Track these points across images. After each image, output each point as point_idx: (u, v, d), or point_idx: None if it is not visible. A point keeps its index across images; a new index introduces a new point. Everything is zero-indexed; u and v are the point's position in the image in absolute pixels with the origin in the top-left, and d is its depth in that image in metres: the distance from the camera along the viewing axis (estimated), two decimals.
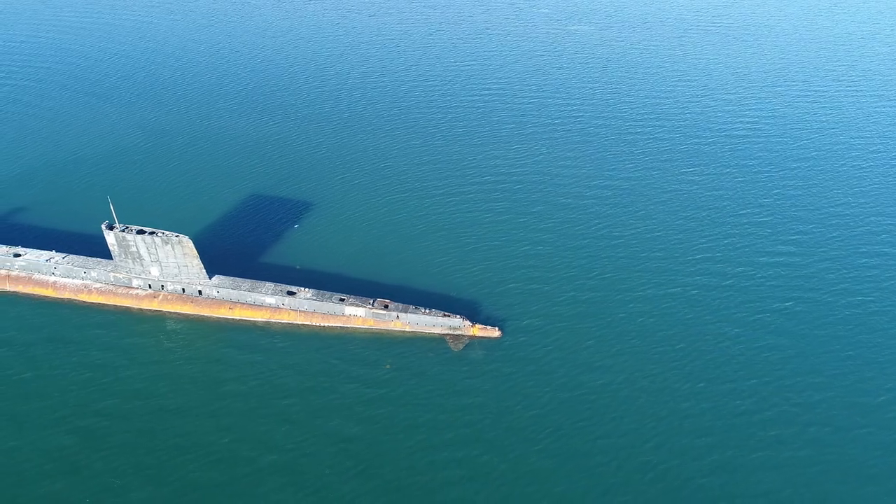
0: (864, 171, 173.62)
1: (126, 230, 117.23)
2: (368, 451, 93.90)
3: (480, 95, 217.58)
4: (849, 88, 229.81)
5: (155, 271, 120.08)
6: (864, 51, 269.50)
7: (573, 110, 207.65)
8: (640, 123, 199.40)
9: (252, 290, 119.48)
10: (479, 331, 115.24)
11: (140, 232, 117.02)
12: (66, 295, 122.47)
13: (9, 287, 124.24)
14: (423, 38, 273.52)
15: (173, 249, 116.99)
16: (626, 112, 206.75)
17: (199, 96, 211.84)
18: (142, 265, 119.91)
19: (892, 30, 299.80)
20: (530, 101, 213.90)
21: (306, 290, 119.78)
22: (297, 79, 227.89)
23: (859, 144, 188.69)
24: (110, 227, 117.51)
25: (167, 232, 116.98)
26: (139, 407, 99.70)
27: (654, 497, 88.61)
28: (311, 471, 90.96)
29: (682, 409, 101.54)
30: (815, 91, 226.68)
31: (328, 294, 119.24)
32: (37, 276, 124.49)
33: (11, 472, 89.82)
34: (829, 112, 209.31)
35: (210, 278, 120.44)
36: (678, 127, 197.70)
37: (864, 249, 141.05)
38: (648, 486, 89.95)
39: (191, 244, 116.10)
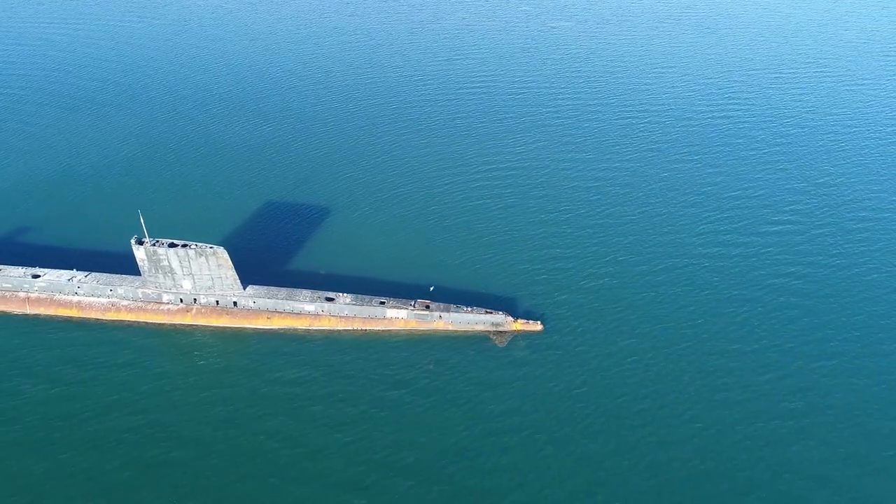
0: (848, 147, 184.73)
1: (157, 244, 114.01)
2: (429, 451, 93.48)
3: (497, 92, 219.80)
4: (817, 73, 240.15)
5: (187, 285, 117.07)
6: (843, 34, 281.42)
7: (573, 102, 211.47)
8: (635, 110, 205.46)
9: (289, 298, 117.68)
10: (521, 325, 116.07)
11: (172, 245, 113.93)
12: (92, 314, 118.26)
13: (29, 310, 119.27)
14: (430, 38, 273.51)
15: (207, 261, 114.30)
16: (620, 100, 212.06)
17: (211, 104, 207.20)
18: (173, 279, 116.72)
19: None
20: (542, 95, 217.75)
21: (345, 295, 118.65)
22: (308, 82, 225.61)
23: (843, 121, 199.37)
24: (140, 242, 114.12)
25: (200, 244, 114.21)
26: (190, 424, 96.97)
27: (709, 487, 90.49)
28: (372, 477, 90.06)
29: (733, 399, 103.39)
30: (789, 77, 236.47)
31: (367, 298, 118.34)
32: (59, 296, 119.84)
33: (56, 495, 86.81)
34: (810, 94, 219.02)
35: (244, 289, 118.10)
36: (669, 111, 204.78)
37: (856, 215, 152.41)
38: (704, 478, 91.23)
39: (226, 255, 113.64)
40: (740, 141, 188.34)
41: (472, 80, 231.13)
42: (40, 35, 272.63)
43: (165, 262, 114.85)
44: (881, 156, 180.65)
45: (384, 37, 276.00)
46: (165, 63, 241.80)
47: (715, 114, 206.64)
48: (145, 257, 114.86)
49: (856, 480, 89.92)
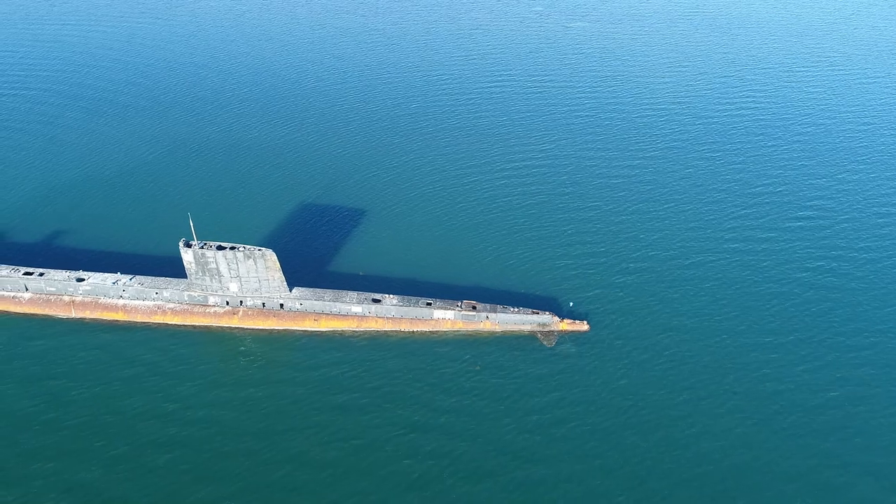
0: (866, 143, 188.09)
1: (205, 246, 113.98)
2: (484, 452, 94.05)
3: (518, 91, 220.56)
4: (833, 71, 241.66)
5: (234, 287, 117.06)
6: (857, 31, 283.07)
7: (592, 100, 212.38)
8: (654, 108, 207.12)
9: (336, 299, 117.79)
10: (567, 325, 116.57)
11: (220, 247, 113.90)
12: (138, 318, 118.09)
13: (74, 313, 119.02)
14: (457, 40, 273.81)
15: (255, 264, 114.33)
16: (639, 98, 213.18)
17: (239, 107, 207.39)
18: (220, 281, 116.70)
19: None
20: (561, 94, 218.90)
21: (391, 296, 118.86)
22: (330, 83, 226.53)
23: (860, 117, 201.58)
24: (188, 245, 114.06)
25: (248, 246, 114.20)
26: (249, 426, 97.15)
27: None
28: (430, 475, 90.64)
29: (770, 390, 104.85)
30: (805, 74, 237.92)
31: (413, 299, 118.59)
32: (104, 299, 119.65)
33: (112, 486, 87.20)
34: (826, 91, 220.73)
35: (290, 290, 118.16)
36: (688, 109, 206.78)
37: (878, 209, 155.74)
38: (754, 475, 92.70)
39: (274, 257, 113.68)
40: (759, 137, 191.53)
41: (493, 78, 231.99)
42: (57, 36, 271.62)
43: (213, 265, 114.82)
44: None
45: (400, 37, 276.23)
46: (191, 65, 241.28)
47: (732, 111, 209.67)
48: (193, 260, 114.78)
49: None
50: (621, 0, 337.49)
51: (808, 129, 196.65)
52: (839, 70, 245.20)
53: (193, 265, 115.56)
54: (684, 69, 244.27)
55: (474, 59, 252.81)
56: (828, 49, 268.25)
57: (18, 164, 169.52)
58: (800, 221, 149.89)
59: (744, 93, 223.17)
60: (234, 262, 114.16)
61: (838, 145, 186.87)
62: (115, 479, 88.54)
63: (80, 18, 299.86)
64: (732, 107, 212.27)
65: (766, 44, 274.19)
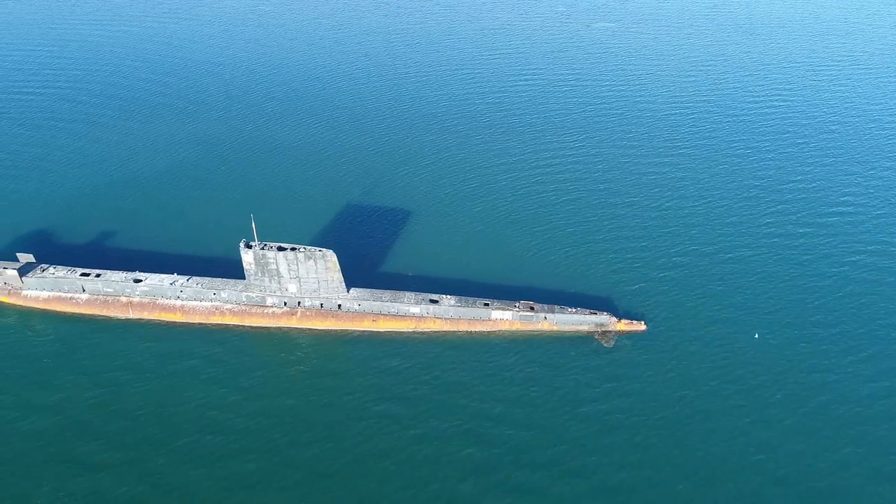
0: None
1: (265, 247, 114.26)
2: (543, 444, 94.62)
3: (548, 91, 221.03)
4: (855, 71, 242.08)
5: (293, 288, 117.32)
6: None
7: (620, 98, 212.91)
8: (682, 106, 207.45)
9: (394, 300, 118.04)
10: (625, 325, 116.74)
11: (280, 248, 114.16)
12: (196, 318, 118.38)
13: (132, 314, 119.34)
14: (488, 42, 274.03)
15: (315, 264, 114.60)
16: (667, 97, 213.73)
17: (276, 106, 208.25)
18: (279, 282, 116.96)
19: None
20: (589, 93, 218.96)
21: (448, 296, 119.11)
22: (372, 84, 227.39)
23: (886, 113, 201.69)
24: (248, 246, 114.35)
25: (309, 247, 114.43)
26: (314, 418, 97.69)
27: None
28: (489, 464, 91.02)
29: (820, 382, 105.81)
30: (829, 72, 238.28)
31: (471, 300, 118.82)
32: (161, 300, 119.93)
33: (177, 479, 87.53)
34: (850, 88, 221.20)
35: (348, 291, 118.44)
36: (715, 107, 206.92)
37: None
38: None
39: (334, 258, 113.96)
40: (787, 135, 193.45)
41: (522, 76, 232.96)
42: (84, 36, 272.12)
43: (273, 266, 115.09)
44: None
45: (425, 36, 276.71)
46: (225, 65, 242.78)
47: (760, 109, 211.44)
48: (253, 260, 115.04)
49: None
50: (642, 0, 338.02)
51: (836, 127, 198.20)
52: (862, 68, 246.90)
53: (253, 266, 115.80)
54: (709, 67, 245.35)
55: (502, 57, 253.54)
56: (850, 48, 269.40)
57: (67, 163, 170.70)
58: (834, 216, 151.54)
59: (770, 91, 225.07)
60: (295, 262, 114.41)
61: (866, 142, 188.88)
62: (178, 462, 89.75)
63: (101, 18, 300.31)
64: (760, 105, 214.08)
65: (788, 42, 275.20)
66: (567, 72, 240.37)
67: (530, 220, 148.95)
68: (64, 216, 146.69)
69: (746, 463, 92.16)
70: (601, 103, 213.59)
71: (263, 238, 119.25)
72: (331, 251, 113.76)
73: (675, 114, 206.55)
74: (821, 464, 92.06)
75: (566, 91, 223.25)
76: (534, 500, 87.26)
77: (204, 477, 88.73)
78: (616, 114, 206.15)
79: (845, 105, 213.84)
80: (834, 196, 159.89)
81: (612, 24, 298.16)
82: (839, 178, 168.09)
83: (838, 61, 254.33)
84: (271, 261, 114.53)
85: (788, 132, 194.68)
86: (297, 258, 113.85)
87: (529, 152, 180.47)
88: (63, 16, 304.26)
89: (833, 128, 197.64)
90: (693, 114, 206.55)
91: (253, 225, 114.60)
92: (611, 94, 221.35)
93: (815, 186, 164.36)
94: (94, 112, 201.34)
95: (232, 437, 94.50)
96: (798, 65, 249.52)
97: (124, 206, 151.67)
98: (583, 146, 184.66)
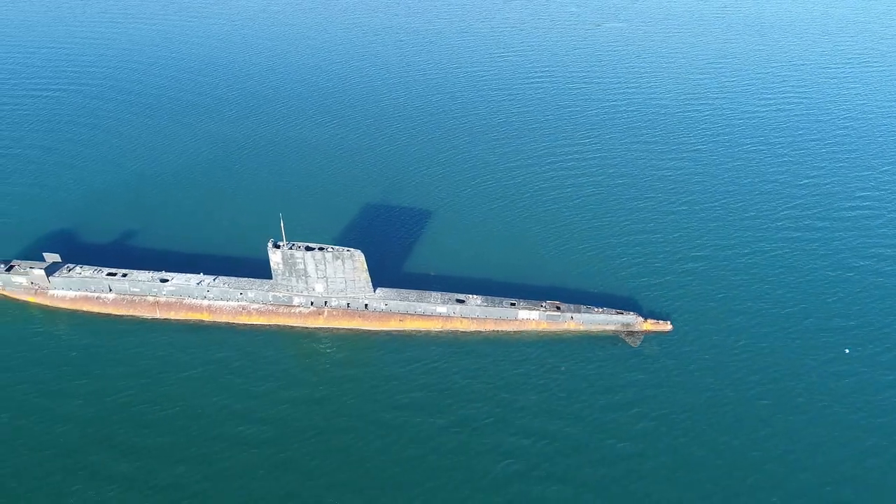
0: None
1: (293, 247, 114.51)
2: (574, 447, 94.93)
3: (562, 89, 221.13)
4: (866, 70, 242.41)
5: (319, 287, 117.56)
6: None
7: (633, 98, 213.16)
8: (695, 105, 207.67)
9: (420, 300, 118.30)
10: (651, 325, 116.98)
11: (308, 248, 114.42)
12: (223, 318, 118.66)
13: (159, 314, 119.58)
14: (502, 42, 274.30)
15: (343, 264, 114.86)
16: (679, 96, 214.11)
17: (293, 105, 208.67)
18: (306, 282, 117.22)
19: None
20: (603, 92, 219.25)
21: (475, 296, 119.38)
22: (385, 84, 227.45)
23: None
24: (276, 245, 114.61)
25: (337, 247, 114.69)
26: (338, 419, 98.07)
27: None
28: (518, 463, 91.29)
29: (846, 372, 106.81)
30: (842, 72, 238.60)
31: (497, 299, 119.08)
32: (188, 300, 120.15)
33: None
34: (863, 88, 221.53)
35: (374, 291, 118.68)
36: (729, 105, 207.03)
37: None
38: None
39: (362, 258, 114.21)
40: (801, 132, 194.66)
41: (536, 75, 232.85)
42: (102, 35, 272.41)
43: (301, 266, 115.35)
44: None
45: (437, 35, 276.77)
46: (246, 64, 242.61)
47: (773, 107, 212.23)
48: (280, 260, 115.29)
49: None
50: (652, 0, 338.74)
51: (850, 124, 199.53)
52: (872, 67, 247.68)
53: (281, 265, 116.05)
54: (721, 66, 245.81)
55: (514, 57, 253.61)
56: (861, 47, 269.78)
57: (90, 163, 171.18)
58: (853, 211, 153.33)
59: (783, 89, 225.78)
60: (323, 262, 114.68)
61: (880, 139, 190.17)
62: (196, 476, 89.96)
63: (114, 17, 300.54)
64: (773, 103, 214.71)
65: (798, 41, 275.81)
66: (579, 71, 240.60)
67: (548, 218, 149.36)
68: (88, 216, 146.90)
69: (769, 457, 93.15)
70: (614, 102, 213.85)
71: (288, 237, 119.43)
72: (359, 251, 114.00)
73: (688, 112, 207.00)
74: (845, 455, 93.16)
75: (579, 90, 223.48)
76: (561, 494, 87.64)
77: (230, 474, 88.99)
78: (629, 112, 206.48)
79: (857, 104, 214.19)
80: (849, 192, 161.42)
81: (623, 24, 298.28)
82: (853, 174, 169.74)
83: (849, 60, 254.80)
84: (299, 260, 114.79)
85: (802, 130, 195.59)
86: (325, 258, 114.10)
87: (544, 151, 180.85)
88: (75, 15, 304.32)
89: (848, 124, 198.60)
90: (705, 112, 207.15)
91: (282, 224, 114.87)
92: (624, 92, 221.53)
93: (830, 182, 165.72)
94: (112, 111, 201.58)
95: (260, 431, 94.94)
96: (809, 63, 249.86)
97: (147, 205, 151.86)
98: (597, 145, 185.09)
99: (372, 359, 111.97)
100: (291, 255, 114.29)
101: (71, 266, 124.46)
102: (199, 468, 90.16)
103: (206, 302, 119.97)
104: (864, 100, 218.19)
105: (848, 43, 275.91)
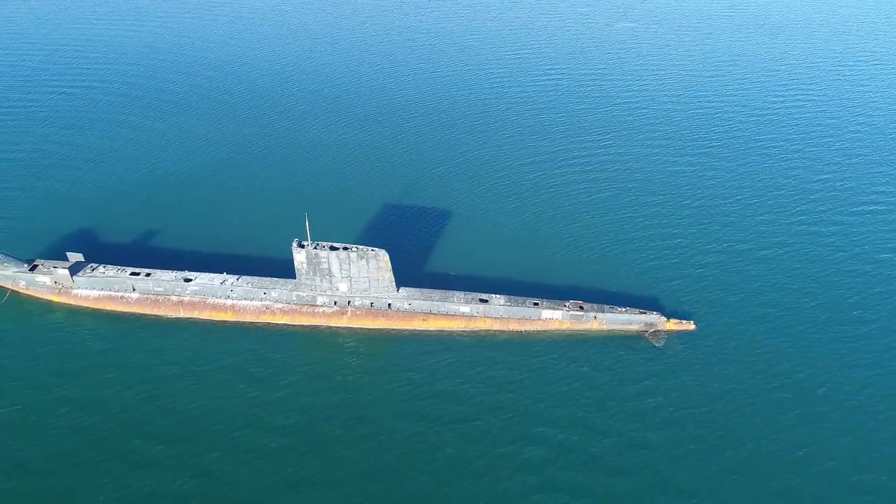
0: None
1: (318, 246, 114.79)
2: (600, 443, 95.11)
3: (576, 89, 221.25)
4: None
5: (343, 287, 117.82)
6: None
7: (644, 97, 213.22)
8: (707, 105, 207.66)
9: (444, 300, 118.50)
10: (674, 325, 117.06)
11: (332, 248, 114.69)
12: (246, 318, 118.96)
13: (183, 313, 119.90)
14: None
15: (367, 264, 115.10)
16: (691, 96, 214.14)
17: (317, 107, 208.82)
18: (330, 282, 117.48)
19: None
20: (616, 92, 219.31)
21: (498, 296, 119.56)
22: (397, 83, 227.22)
23: None
24: (301, 245, 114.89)
25: (361, 246, 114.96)
26: (365, 414, 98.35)
27: None
28: (540, 459, 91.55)
29: (863, 371, 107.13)
30: (852, 73, 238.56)
31: (520, 299, 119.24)
32: (212, 299, 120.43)
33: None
34: (873, 90, 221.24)
35: (398, 290, 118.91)
36: (741, 105, 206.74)
37: None
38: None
39: (387, 257, 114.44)
40: (814, 130, 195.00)
41: (549, 75, 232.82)
42: (112, 35, 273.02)
43: (325, 265, 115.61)
44: None
45: (445, 36, 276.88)
46: (262, 66, 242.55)
47: (784, 106, 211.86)
48: (305, 260, 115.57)
49: None
50: (661, 0, 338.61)
51: (864, 121, 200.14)
52: (882, 67, 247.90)
53: (305, 265, 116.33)
54: (732, 66, 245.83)
55: (525, 56, 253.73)
56: (872, 46, 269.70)
57: (111, 161, 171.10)
58: (869, 206, 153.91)
59: (794, 89, 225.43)
60: (347, 262, 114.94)
61: (894, 136, 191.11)
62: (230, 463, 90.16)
63: (125, 17, 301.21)
64: (784, 102, 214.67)
65: (809, 41, 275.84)
66: (592, 70, 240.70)
67: (566, 217, 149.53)
68: (109, 215, 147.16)
69: (793, 458, 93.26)
70: (628, 100, 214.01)
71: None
72: (383, 251, 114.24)
73: (701, 110, 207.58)
74: (868, 458, 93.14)
75: (592, 88, 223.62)
76: (585, 494, 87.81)
77: (253, 472, 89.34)
78: (644, 111, 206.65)
79: (868, 104, 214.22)
80: (864, 188, 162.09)
81: (633, 24, 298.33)
82: (867, 171, 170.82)
83: (860, 60, 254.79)
84: (323, 260, 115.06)
85: (814, 129, 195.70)
86: (349, 258, 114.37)
87: (559, 150, 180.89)
88: (85, 15, 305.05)
89: (859, 124, 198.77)
90: (719, 110, 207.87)
91: (306, 224, 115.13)
92: (638, 91, 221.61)
93: (844, 179, 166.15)
94: (130, 110, 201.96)
95: (281, 432, 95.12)
96: (820, 63, 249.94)
97: (168, 204, 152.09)
98: (612, 143, 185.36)
99: (394, 358, 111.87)
100: (316, 254, 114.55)
101: (94, 265, 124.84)
102: (225, 464, 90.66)
103: (230, 301, 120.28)
104: (877, 97, 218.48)
105: (858, 43, 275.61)
